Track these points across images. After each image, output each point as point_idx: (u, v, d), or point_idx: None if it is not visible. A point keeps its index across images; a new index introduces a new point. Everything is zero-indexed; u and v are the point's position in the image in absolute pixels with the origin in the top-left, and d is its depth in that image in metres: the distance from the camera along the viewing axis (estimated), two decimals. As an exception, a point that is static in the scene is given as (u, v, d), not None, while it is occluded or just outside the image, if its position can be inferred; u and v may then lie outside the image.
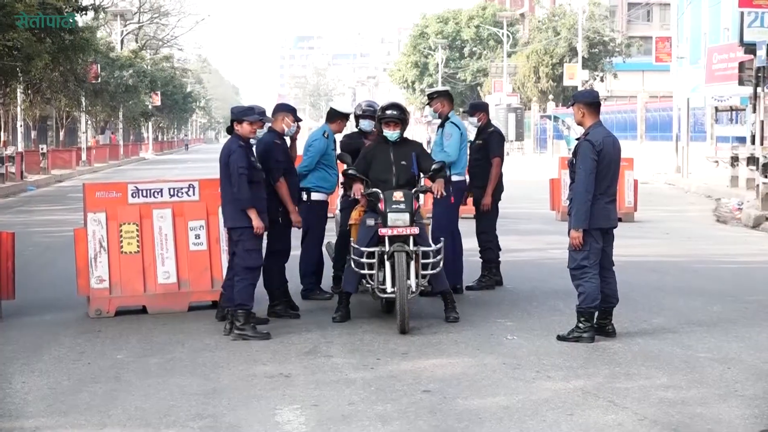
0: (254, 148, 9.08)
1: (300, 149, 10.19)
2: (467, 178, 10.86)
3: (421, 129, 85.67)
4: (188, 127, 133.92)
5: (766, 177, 18.87)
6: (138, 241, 9.85)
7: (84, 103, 48.88)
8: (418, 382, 7.19)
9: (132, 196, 9.94)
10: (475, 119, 11.18)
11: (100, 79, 47.69)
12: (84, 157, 49.08)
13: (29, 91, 39.63)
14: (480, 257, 11.16)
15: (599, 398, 6.76)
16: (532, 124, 65.42)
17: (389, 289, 8.81)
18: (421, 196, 9.69)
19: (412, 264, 8.79)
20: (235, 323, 8.64)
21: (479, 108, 11.38)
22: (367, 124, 10.64)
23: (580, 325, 8.39)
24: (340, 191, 10.61)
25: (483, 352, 8.15)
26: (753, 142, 25.03)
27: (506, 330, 8.94)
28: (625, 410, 6.50)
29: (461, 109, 11.54)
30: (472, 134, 11.25)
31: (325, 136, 10.28)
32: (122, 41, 64.98)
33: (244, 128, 8.76)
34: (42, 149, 39.68)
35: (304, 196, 9.96)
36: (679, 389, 7.00)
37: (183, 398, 6.88)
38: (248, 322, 8.64)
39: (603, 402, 6.68)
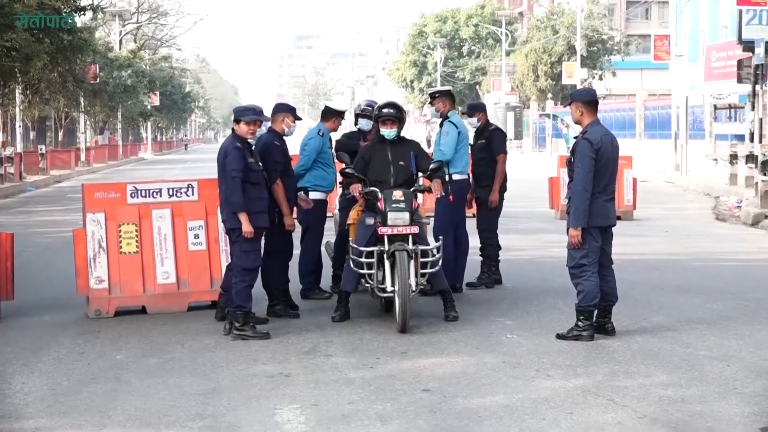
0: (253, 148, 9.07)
1: (295, 149, 10.18)
2: (470, 177, 10.87)
3: (420, 128, 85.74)
4: (187, 127, 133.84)
5: (764, 175, 18.87)
6: (137, 241, 9.85)
7: (83, 104, 48.88)
8: (418, 381, 7.19)
9: (131, 196, 9.94)
10: (474, 119, 11.20)
11: (98, 79, 47.68)
12: (83, 157, 49.07)
13: (28, 92, 39.63)
14: (480, 254, 11.17)
15: (599, 396, 6.77)
16: (530, 123, 65.44)
17: (389, 288, 8.81)
18: (420, 195, 9.69)
19: (412, 263, 8.79)
20: (235, 324, 8.64)
21: (478, 108, 11.40)
22: (365, 123, 10.65)
23: (580, 323, 8.40)
24: (339, 190, 10.60)
25: (482, 350, 8.15)
26: (752, 140, 25.02)
27: (506, 329, 8.94)
28: (624, 408, 6.50)
29: (459, 109, 11.47)
30: (471, 135, 11.25)
31: (321, 134, 10.27)
32: (121, 41, 64.93)
33: (241, 128, 8.76)
34: (41, 150, 39.66)
35: (303, 196, 9.95)
36: (679, 387, 7.00)
37: (183, 398, 6.88)
38: (247, 323, 8.64)
39: (602, 400, 6.68)
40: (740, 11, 25.08)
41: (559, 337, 8.46)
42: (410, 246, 8.81)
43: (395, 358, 7.91)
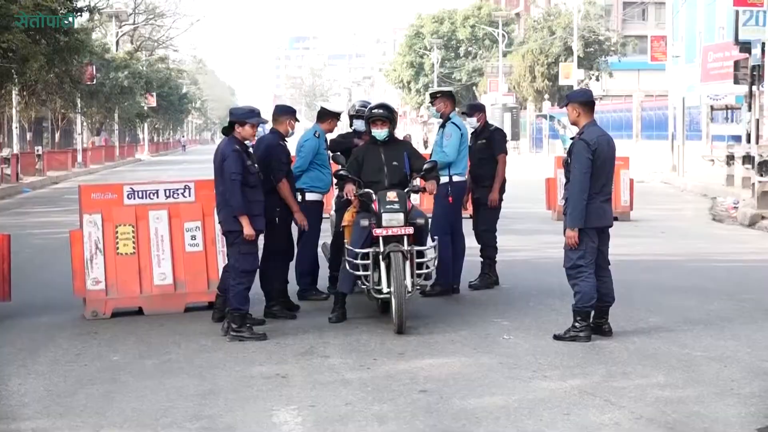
0: (252, 150, 9.09)
1: (291, 150, 10.20)
2: (468, 179, 10.86)
3: (417, 128, 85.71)
4: (184, 128, 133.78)
5: (761, 176, 18.88)
6: (134, 242, 9.85)
7: (79, 105, 48.81)
8: (415, 382, 7.19)
9: (128, 197, 9.93)
10: (474, 119, 11.21)
11: (95, 80, 47.63)
12: (80, 158, 49.07)
13: (24, 93, 39.55)
14: (480, 255, 11.16)
15: (596, 397, 6.77)
16: (527, 124, 65.43)
17: (385, 289, 8.81)
18: (414, 195, 9.67)
19: (407, 264, 8.79)
20: (231, 325, 8.64)
21: (478, 108, 11.43)
22: (360, 124, 10.64)
23: (577, 324, 8.40)
24: (335, 191, 10.60)
25: (479, 351, 8.15)
26: (748, 141, 25.05)
27: (503, 330, 8.94)
28: (621, 409, 6.50)
29: (458, 109, 11.50)
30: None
31: (316, 135, 10.27)
32: (117, 42, 64.87)
33: (245, 130, 8.75)
34: (37, 151, 39.65)
35: (299, 197, 9.97)
36: (676, 388, 7.01)
37: (179, 399, 6.88)
38: (244, 324, 8.64)
39: (599, 401, 6.68)
40: (737, 12, 25.10)
41: (556, 337, 8.46)
42: (405, 247, 8.81)
43: (392, 359, 7.91)
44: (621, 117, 49.79)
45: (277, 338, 8.65)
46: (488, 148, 11.05)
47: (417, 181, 9.74)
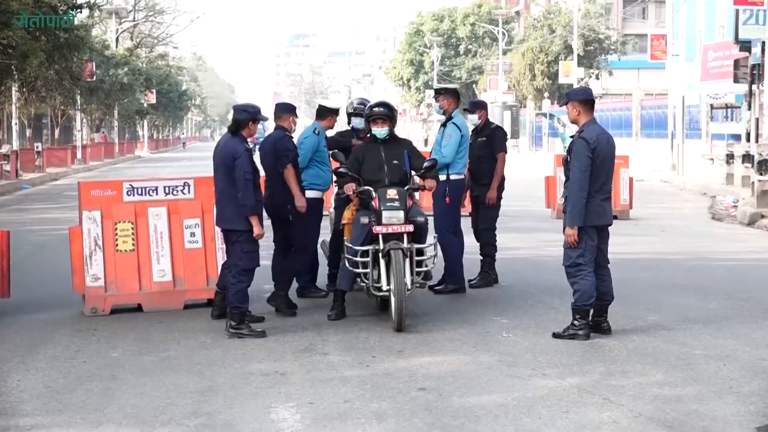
0: (260, 147, 9.20)
1: None
2: (467, 177, 10.86)
3: (416, 126, 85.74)
4: (183, 125, 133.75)
5: (761, 174, 18.88)
6: (133, 239, 9.85)
7: (79, 102, 48.82)
8: (414, 380, 7.19)
9: (127, 194, 9.93)
10: (475, 116, 11.21)
11: (95, 77, 47.63)
12: (79, 155, 49.05)
13: (24, 90, 39.58)
14: (480, 253, 11.16)
15: (595, 395, 6.77)
16: (527, 122, 65.45)
17: (384, 287, 8.81)
18: (416, 193, 9.68)
19: (407, 261, 8.79)
20: (231, 323, 8.65)
21: (480, 106, 11.45)
22: (359, 122, 10.63)
23: (576, 322, 8.40)
24: (335, 189, 10.60)
25: (478, 349, 8.15)
26: (748, 140, 25.07)
27: (502, 327, 8.94)
28: (620, 407, 6.50)
29: (460, 106, 11.56)
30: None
31: (316, 132, 10.27)
32: (117, 39, 64.85)
33: (251, 128, 8.80)
34: (37, 147, 39.63)
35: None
36: (675, 386, 7.01)
37: (179, 396, 6.88)
38: (243, 321, 8.65)
39: (598, 399, 6.69)
40: (737, 11, 25.13)
41: (555, 336, 8.46)
42: (405, 244, 8.81)
43: (391, 357, 7.91)
44: (621, 115, 49.80)
45: (276, 335, 8.65)
46: (488, 146, 11.06)
47: (416, 180, 9.74)
